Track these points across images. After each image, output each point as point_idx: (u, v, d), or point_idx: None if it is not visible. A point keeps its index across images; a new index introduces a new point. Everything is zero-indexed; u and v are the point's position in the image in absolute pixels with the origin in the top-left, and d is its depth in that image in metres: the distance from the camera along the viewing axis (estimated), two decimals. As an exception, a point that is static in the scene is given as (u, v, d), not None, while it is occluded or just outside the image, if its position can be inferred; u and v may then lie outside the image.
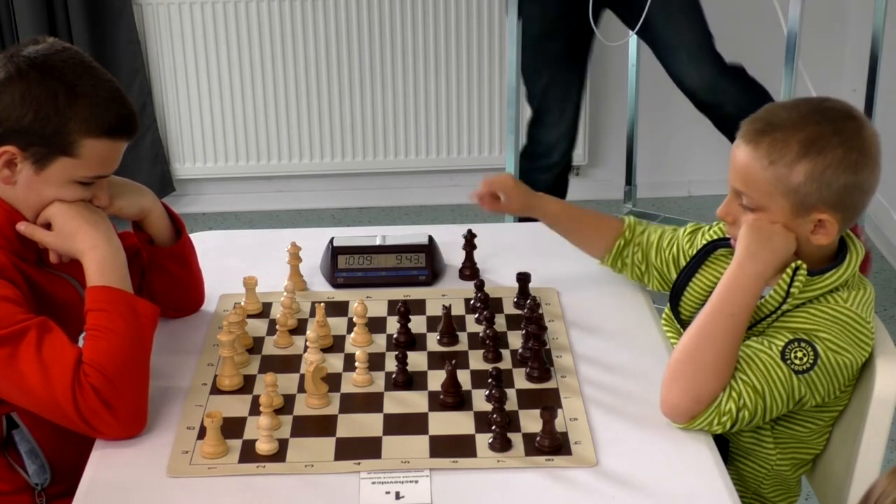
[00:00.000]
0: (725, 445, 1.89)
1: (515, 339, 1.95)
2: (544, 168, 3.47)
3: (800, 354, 1.71)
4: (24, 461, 1.83)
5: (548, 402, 1.74)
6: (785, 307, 1.76)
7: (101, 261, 1.77)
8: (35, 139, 1.74)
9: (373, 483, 1.61)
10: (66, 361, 1.67)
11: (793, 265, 1.75)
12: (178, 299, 2.02)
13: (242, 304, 2.05)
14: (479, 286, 2.05)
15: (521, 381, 1.84)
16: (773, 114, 1.77)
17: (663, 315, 1.99)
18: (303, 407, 1.77)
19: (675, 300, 1.92)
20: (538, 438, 1.67)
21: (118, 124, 1.78)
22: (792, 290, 1.74)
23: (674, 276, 2.00)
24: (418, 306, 2.05)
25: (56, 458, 1.84)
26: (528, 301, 1.94)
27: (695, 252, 1.96)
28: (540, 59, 3.34)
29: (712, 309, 1.73)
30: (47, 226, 1.80)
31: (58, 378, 1.66)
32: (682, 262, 1.99)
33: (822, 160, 1.70)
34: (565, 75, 3.36)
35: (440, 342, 1.93)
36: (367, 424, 1.73)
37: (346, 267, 2.15)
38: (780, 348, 1.71)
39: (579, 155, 4.23)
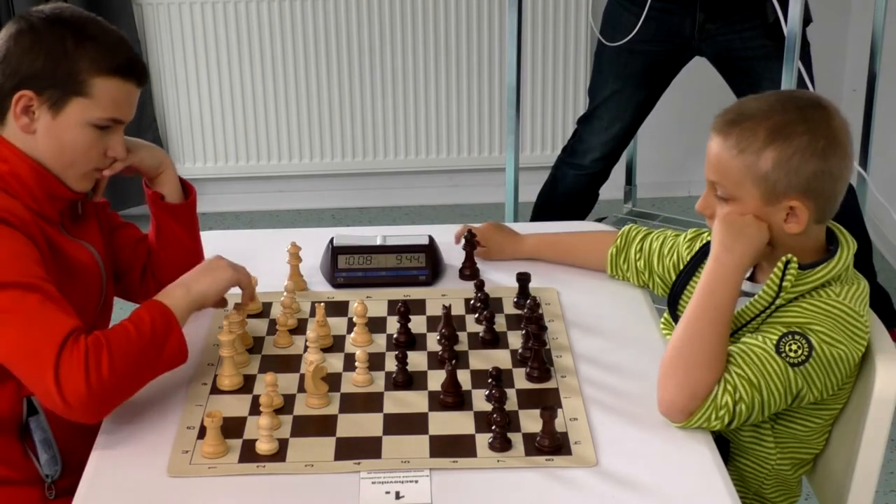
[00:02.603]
0: (726, 445, 1.89)
1: (515, 339, 1.95)
2: (572, 165, 3.48)
3: (794, 347, 1.72)
4: (38, 450, 1.84)
5: (548, 402, 1.74)
6: (778, 301, 1.77)
7: (185, 282, 1.83)
8: (48, 82, 1.79)
9: (373, 483, 1.61)
10: (64, 321, 1.67)
11: (783, 259, 1.76)
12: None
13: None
14: (479, 286, 2.05)
15: (521, 381, 1.84)
16: (744, 105, 1.81)
17: (662, 319, 1.99)
18: (303, 407, 1.78)
19: (674, 303, 1.93)
20: (538, 438, 1.67)
21: (127, 65, 1.84)
22: (784, 283, 1.75)
23: None
24: (418, 306, 2.05)
25: (68, 449, 1.84)
26: (528, 301, 1.94)
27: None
28: (614, 69, 3.34)
29: (697, 304, 1.75)
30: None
31: (51, 329, 1.66)
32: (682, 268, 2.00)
33: (789, 147, 1.73)
34: (631, 93, 3.35)
35: (440, 342, 1.93)
36: (367, 424, 1.73)
37: (346, 267, 2.15)
38: (773, 342, 1.72)
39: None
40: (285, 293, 2.01)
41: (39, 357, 1.65)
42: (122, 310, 2.07)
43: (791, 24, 2.70)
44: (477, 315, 2.01)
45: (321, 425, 1.74)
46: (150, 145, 2.02)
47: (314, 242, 2.22)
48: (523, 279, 2.07)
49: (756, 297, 1.78)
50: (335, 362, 1.89)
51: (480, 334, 1.96)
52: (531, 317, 1.90)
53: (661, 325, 1.99)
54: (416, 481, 1.61)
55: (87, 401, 1.66)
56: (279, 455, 1.67)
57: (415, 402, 1.78)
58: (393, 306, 2.04)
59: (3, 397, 1.81)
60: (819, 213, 1.78)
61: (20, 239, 1.74)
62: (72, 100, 1.80)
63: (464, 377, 1.83)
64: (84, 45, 1.80)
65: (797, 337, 1.73)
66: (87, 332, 1.70)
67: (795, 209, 1.75)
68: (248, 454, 1.67)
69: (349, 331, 1.99)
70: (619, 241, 2.13)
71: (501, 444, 1.67)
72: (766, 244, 1.78)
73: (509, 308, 2.06)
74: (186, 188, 2.08)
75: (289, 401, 1.78)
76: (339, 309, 2.06)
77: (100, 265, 1.93)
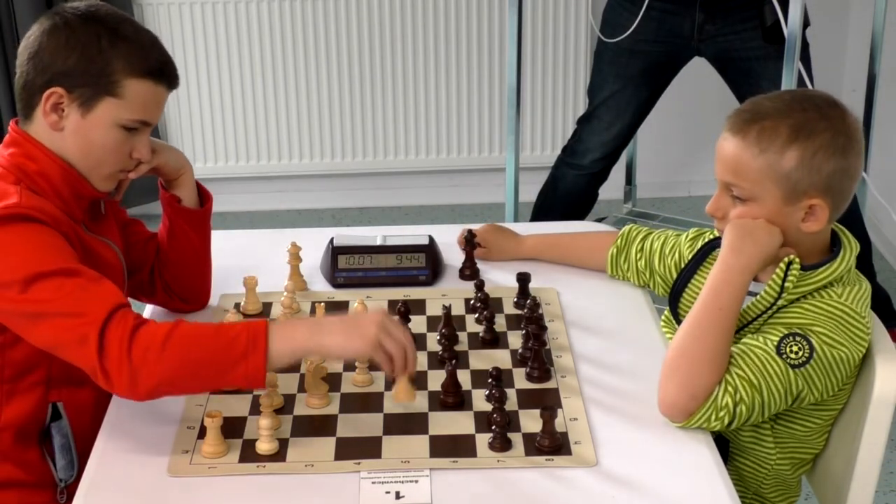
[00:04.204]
0: (726, 445, 1.89)
1: (515, 339, 1.95)
2: (572, 165, 3.49)
3: (795, 348, 1.72)
4: (56, 455, 1.84)
5: (548, 402, 1.74)
6: (780, 302, 1.77)
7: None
8: (81, 80, 1.78)
9: (373, 483, 1.61)
10: (106, 301, 1.67)
11: (786, 259, 1.75)
12: (190, 278, 2.04)
13: (242, 304, 2.05)
14: (479, 286, 2.05)
15: (521, 381, 1.84)
16: (758, 104, 1.79)
17: (663, 317, 2.00)
18: (303, 407, 1.78)
19: (675, 301, 1.93)
20: (538, 438, 1.67)
21: (159, 67, 1.83)
22: (786, 284, 1.75)
23: None
24: (418, 306, 2.05)
25: (87, 455, 1.84)
26: (528, 301, 1.94)
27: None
28: (614, 69, 3.34)
29: (702, 305, 1.75)
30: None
31: (95, 309, 1.66)
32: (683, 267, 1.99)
33: (812, 144, 1.72)
34: (632, 93, 3.35)
35: (440, 342, 1.93)
36: (367, 424, 1.73)
37: (346, 267, 2.15)
38: (774, 343, 1.72)
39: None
40: (285, 293, 2.01)
41: (85, 338, 1.65)
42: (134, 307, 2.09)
43: (791, 26, 2.71)
44: (477, 315, 2.01)
45: (321, 425, 1.74)
46: (173, 147, 2.00)
47: (314, 242, 2.22)
48: (523, 279, 2.07)
49: (758, 297, 1.78)
50: (335, 362, 1.89)
51: (480, 334, 1.96)
52: (531, 317, 1.90)
53: (662, 324, 1.99)
54: (416, 481, 1.61)
55: (130, 378, 1.64)
56: (279, 455, 1.67)
57: (415, 402, 1.78)
58: (393, 306, 2.04)
59: (29, 402, 1.82)
60: (835, 211, 1.77)
61: (54, 234, 1.74)
62: (103, 99, 1.79)
63: (464, 377, 1.83)
64: (118, 44, 1.79)
65: (798, 338, 1.72)
66: None
67: (815, 207, 1.74)
68: (248, 454, 1.67)
69: (349, 331, 1.98)
70: (619, 241, 2.12)
71: (501, 444, 1.67)
72: (780, 248, 1.77)
73: (509, 308, 2.06)
74: (202, 193, 2.05)
75: (289, 401, 1.78)
76: (339, 309, 2.05)
77: (122, 262, 1.94)
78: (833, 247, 1.82)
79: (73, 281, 1.69)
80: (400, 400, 1.73)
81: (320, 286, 2.16)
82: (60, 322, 1.67)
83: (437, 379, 1.82)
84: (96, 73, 1.78)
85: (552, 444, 1.66)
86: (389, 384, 1.83)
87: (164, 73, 1.84)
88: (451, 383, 1.78)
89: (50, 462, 1.84)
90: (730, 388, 1.70)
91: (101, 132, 1.81)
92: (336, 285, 2.15)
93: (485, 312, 1.96)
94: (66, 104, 1.79)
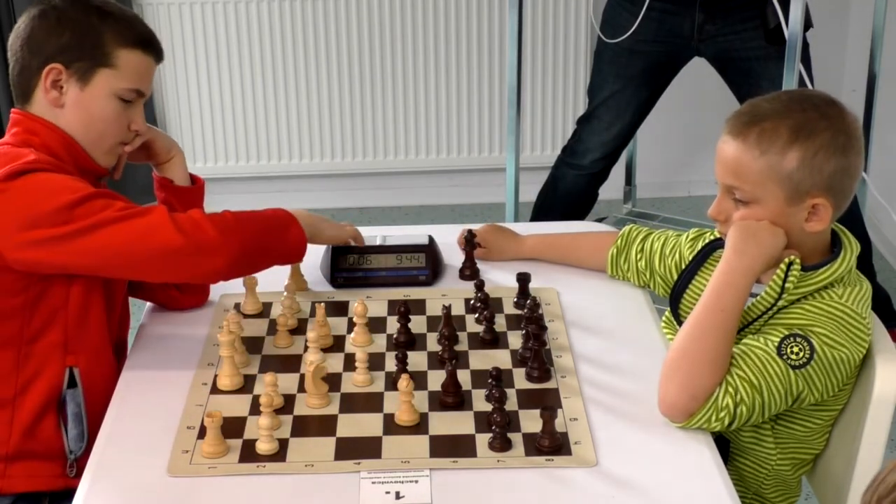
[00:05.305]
0: (726, 445, 1.89)
1: (515, 339, 1.95)
2: (572, 165, 3.49)
3: (796, 349, 1.72)
4: (68, 423, 1.87)
5: (548, 402, 1.74)
6: (780, 303, 1.77)
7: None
8: (76, 54, 1.87)
9: (373, 483, 1.61)
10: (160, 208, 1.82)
11: (787, 260, 1.75)
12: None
13: (242, 303, 2.05)
14: (479, 286, 2.05)
15: (521, 381, 1.84)
16: (757, 106, 1.79)
17: (663, 318, 2.00)
18: (303, 407, 1.78)
19: (676, 302, 1.93)
20: (538, 438, 1.67)
21: (146, 38, 1.94)
22: (787, 285, 1.75)
23: None
24: (418, 306, 2.05)
25: (97, 426, 1.84)
26: (528, 301, 1.94)
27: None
28: (614, 69, 3.34)
29: (704, 306, 1.75)
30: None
31: (152, 209, 1.80)
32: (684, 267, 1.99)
33: (813, 144, 1.72)
34: (632, 93, 3.35)
35: (440, 342, 1.93)
36: (367, 424, 1.74)
37: (346, 267, 2.15)
38: (775, 344, 1.72)
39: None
40: (285, 293, 2.02)
41: (160, 226, 1.77)
42: (134, 307, 2.09)
43: (793, 27, 2.70)
44: (477, 315, 2.01)
45: (321, 425, 1.74)
46: (162, 131, 2.08)
47: (314, 242, 2.21)
48: (523, 279, 2.07)
49: (758, 298, 1.78)
50: (335, 362, 1.89)
51: (480, 334, 1.96)
52: (531, 317, 1.90)
53: (663, 325, 1.99)
54: (416, 481, 1.61)
55: (219, 244, 1.82)
56: (279, 455, 1.67)
57: (415, 402, 1.78)
58: (393, 306, 2.04)
59: (46, 365, 1.85)
60: (837, 210, 1.78)
61: (78, 178, 1.82)
62: (99, 71, 1.88)
63: (464, 377, 1.83)
64: (107, 19, 1.89)
65: (799, 339, 1.72)
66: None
67: (819, 207, 1.74)
68: (248, 454, 1.67)
69: (349, 331, 1.99)
70: (619, 241, 2.12)
71: (501, 444, 1.67)
72: (783, 249, 1.77)
73: (509, 308, 2.06)
74: (194, 180, 2.11)
75: (289, 401, 1.78)
76: (339, 309, 2.06)
77: None
78: (833, 247, 1.82)
79: (118, 200, 1.79)
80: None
81: (320, 286, 2.16)
82: (123, 226, 1.76)
83: (437, 379, 1.82)
84: (90, 46, 1.87)
85: (552, 445, 1.66)
86: (390, 384, 1.83)
87: (151, 44, 1.94)
88: (451, 383, 1.78)
89: (63, 432, 1.86)
90: (730, 389, 1.70)
91: (100, 103, 1.89)
92: (336, 285, 2.15)
93: (485, 312, 1.96)
94: (65, 80, 1.87)
